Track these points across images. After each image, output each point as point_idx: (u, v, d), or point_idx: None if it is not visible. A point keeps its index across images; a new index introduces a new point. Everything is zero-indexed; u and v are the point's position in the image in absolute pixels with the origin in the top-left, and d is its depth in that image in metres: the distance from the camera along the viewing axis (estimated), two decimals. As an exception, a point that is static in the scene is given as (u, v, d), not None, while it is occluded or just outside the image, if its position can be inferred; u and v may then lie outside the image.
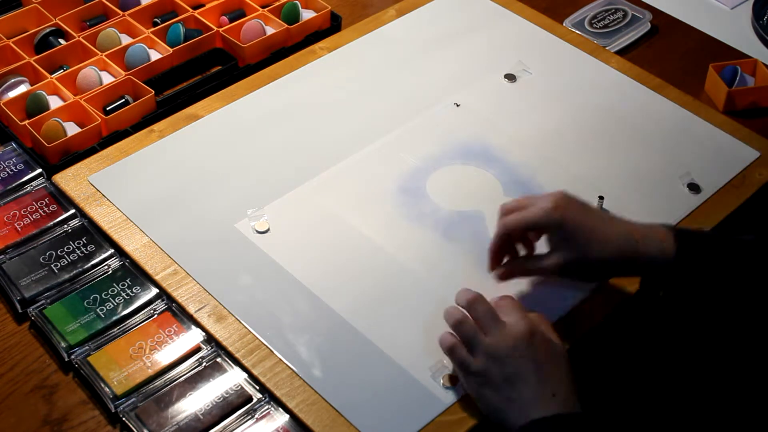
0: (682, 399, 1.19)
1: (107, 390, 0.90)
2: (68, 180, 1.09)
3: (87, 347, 0.94)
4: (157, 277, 1.00)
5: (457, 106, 1.20)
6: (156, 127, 1.17)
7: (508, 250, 0.96)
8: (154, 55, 1.26)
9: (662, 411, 1.18)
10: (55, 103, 1.19)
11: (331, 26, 1.34)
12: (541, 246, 0.95)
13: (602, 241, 0.91)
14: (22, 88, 1.21)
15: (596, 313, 0.98)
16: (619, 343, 1.11)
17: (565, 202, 0.92)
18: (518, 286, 0.99)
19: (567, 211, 0.91)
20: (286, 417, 0.89)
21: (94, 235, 1.04)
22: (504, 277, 0.96)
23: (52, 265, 1.01)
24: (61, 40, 1.28)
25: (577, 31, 1.35)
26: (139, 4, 1.34)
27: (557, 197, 0.91)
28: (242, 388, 0.91)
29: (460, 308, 0.90)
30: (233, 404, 0.90)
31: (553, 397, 0.83)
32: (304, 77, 1.25)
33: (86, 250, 1.02)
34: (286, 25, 1.30)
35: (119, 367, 0.92)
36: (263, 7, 1.34)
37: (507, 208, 0.94)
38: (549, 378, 0.84)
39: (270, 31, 1.30)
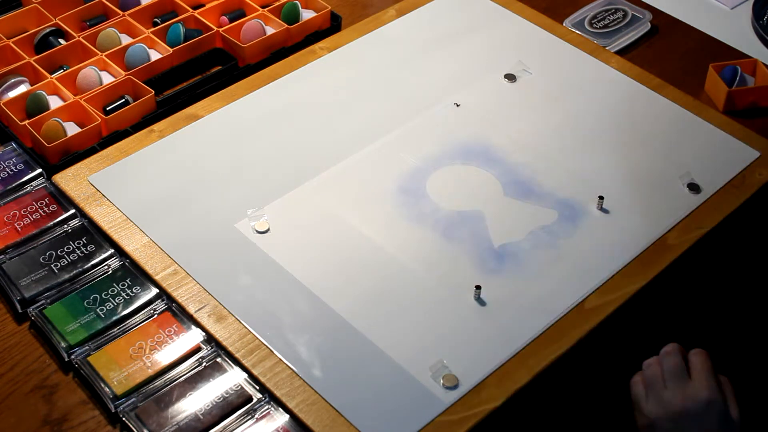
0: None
1: (107, 390, 0.90)
2: (68, 180, 1.10)
3: (87, 347, 0.94)
4: (157, 277, 1.00)
5: (457, 106, 1.20)
6: (156, 127, 1.17)
7: None
8: (154, 55, 1.26)
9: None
10: (55, 103, 1.19)
11: (331, 26, 1.34)
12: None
13: None
14: (22, 88, 1.21)
15: (604, 309, 0.98)
16: (628, 338, 1.11)
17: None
18: (520, 280, 0.99)
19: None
20: (286, 417, 0.89)
21: (94, 235, 1.04)
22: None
23: (52, 265, 1.01)
24: (61, 40, 1.28)
25: (577, 31, 1.35)
26: (139, 4, 1.34)
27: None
28: (242, 388, 0.91)
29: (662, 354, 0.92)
30: (233, 404, 0.90)
31: None
32: (304, 77, 1.25)
33: (86, 250, 1.02)
34: (286, 25, 1.30)
35: (119, 367, 0.92)
36: (263, 7, 1.34)
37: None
38: None
39: (270, 31, 1.30)
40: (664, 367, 0.90)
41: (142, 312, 0.97)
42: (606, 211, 1.07)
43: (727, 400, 0.88)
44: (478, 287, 0.98)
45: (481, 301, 0.98)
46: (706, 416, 0.86)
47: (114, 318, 0.96)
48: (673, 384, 0.89)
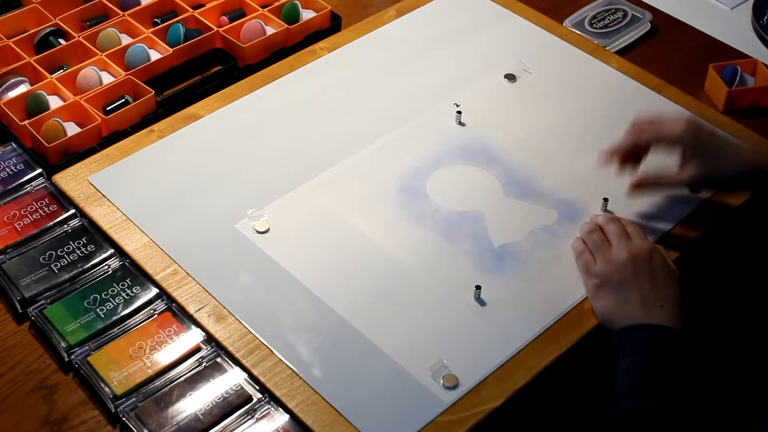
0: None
1: (107, 390, 0.90)
2: (68, 180, 1.10)
3: (87, 347, 0.94)
4: (157, 277, 1.00)
5: (457, 106, 1.20)
6: (156, 127, 1.17)
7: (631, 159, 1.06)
8: (154, 55, 1.26)
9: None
10: (55, 103, 1.19)
11: (331, 26, 1.34)
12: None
13: (734, 155, 1.03)
14: (22, 88, 1.21)
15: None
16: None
17: (695, 121, 1.03)
18: (520, 280, 1.00)
19: (699, 130, 1.02)
20: (286, 417, 0.89)
21: (94, 235, 1.04)
22: (637, 186, 1.05)
23: (52, 265, 1.01)
24: (61, 40, 1.28)
25: (577, 31, 1.35)
26: (139, 4, 1.34)
27: (688, 117, 1.03)
28: (242, 388, 0.91)
29: (595, 222, 1.03)
30: (233, 404, 0.90)
31: (661, 308, 0.93)
32: (304, 77, 1.25)
33: (86, 250, 1.02)
34: (286, 25, 1.30)
35: (119, 367, 0.92)
36: (263, 7, 1.34)
37: (639, 122, 1.04)
38: (660, 291, 0.94)
39: (270, 31, 1.30)
40: (606, 230, 1.01)
41: (142, 312, 0.97)
42: (610, 213, 1.07)
43: (665, 254, 1.00)
44: (478, 287, 0.98)
45: (481, 301, 0.98)
46: (651, 262, 0.96)
47: (114, 318, 0.96)
48: (617, 242, 0.99)
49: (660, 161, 1.15)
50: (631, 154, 1.05)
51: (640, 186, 1.05)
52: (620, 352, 0.92)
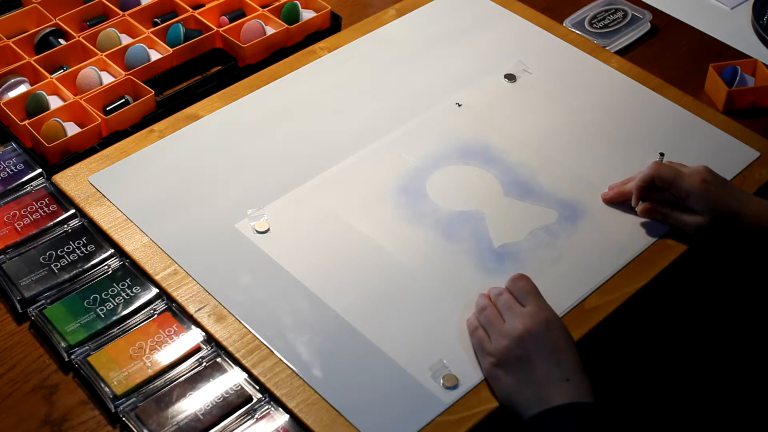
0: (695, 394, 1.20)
1: (107, 390, 0.90)
2: (68, 180, 1.10)
3: (87, 347, 0.94)
4: (157, 277, 1.00)
5: (459, 106, 1.20)
6: (156, 127, 1.17)
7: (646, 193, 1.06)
8: (154, 55, 1.26)
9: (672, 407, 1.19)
10: (55, 103, 1.19)
11: (331, 26, 1.34)
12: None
13: (745, 219, 1.01)
14: (22, 88, 1.21)
15: (604, 309, 0.98)
16: (628, 338, 1.11)
17: (713, 179, 1.02)
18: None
19: (714, 188, 1.01)
20: (286, 417, 0.89)
21: (94, 235, 1.04)
22: (645, 212, 1.06)
23: (52, 265, 1.01)
24: (61, 40, 1.28)
25: (577, 31, 1.35)
26: (139, 4, 1.34)
27: (705, 174, 1.02)
28: (242, 388, 0.91)
29: (487, 297, 0.95)
30: (233, 404, 0.90)
31: (567, 381, 0.86)
32: (304, 77, 1.25)
33: (86, 250, 1.02)
34: (286, 25, 1.30)
35: (119, 367, 0.92)
36: (263, 7, 1.34)
37: (659, 164, 1.04)
38: (562, 363, 0.87)
39: (270, 31, 1.30)
40: (497, 303, 0.93)
41: (142, 312, 0.97)
42: (613, 214, 1.07)
43: (559, 318, 0.92)
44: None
45: None
46: (549, 332, 0.89)
47: (114, 318, 0.96)
48: (510, 315, 0.91)
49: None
50: (644, 191, 1.05)
51: (648, 213, 1.06)
52: None
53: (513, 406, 0.88)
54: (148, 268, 1.00)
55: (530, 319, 0.89)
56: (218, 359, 0.93)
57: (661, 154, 1.08)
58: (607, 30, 1.36)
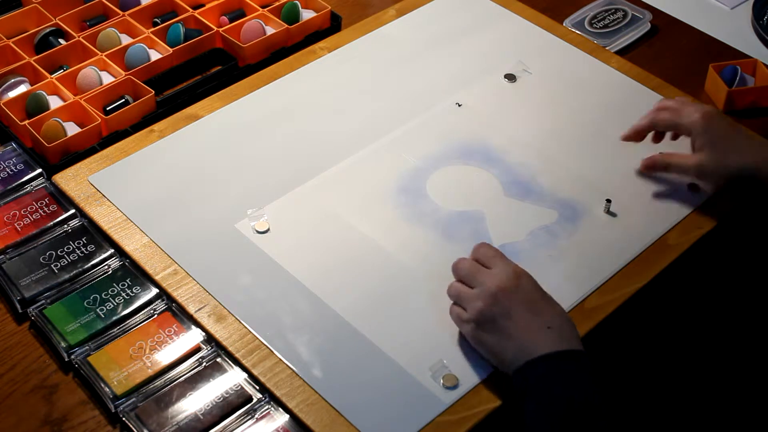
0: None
1: (107, 390, 0.90)
2: (68, 180, 1.10)
3: (87, 347, 0.94)
4: (157, 277, 1.00)
5: (459, 106, 1.20)
6: (156, 127, 1.17)
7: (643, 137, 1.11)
8: (154, 55, 1.26)
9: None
10: (55, 103, 1.19)
11: (331, 26, 1.34)
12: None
13: (741, 150, 1.04)
14: (22, 88, 1.21)
15: (604, 309, 0.99)
16: (628, 338, 1.11)
17: (712, 115, 1.06)
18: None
19: (713, 122, 1.05)
20: (286, 417, 0.89)
21: (94, 235, 1.04)
22: (647, 167, 1.10)
23: (52, 265, 1.01)
24: (61, 40, 1.28)
25: (577, 31, 1.35)
26: (139, 4, 1.34)
27: (706, 110, 1.06)
28: (242, 388, 0.91)
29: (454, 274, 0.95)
30: (233, 404, 0.90)
31: (548, 329, 0.86)
32: (304, 77, 1.25)
33: (86, 250, 1.02)
34: (286, 25, 1.30)
35: (119, 367, 0.92)
36: (263, 7, 1.34)
37: (660, 105, 1.10)
38: (541, 311, 0.88)
39: (270, 31, 1.30)
40: (460, 274, 0.93)
41: (142, 312, 0.97)
42: (613, 214, 1.07)
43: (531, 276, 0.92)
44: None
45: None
46: (520, 285, 0.90)
47: (114, 318, 0.96)
48: (477, 280, 0.91)
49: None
50: (647, 133, 1.11)
51: (650, 167, 1.10)
52: (525, 395, 0.84)
53: (500, 363, 0.89)
54: (148, 268, 1.00)
55: (499, 276, 0.90)
56: (218, 359, 0.93)
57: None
58: (607, 30, 1.36)
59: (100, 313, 0.96)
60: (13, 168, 1.11)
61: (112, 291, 0.98)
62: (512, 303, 0.88)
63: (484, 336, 0.89)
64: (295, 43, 1.31)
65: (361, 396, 0.90)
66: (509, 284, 0.90)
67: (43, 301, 0.97)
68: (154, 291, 0.99)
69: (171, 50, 1.25)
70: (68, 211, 1.06)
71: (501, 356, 0.88)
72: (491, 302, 0.89)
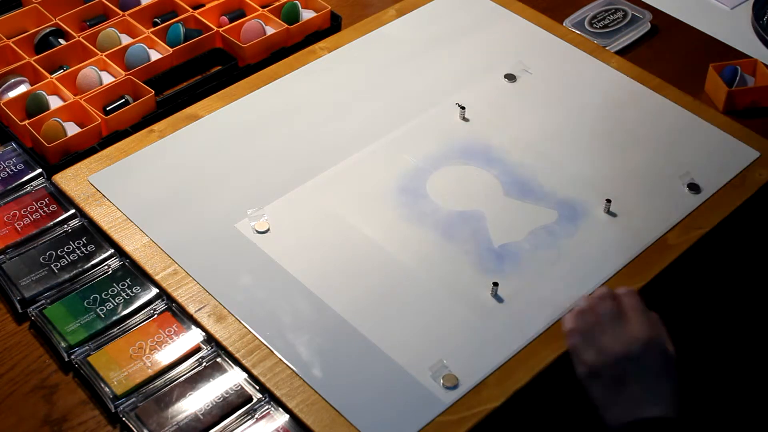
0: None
1: (107, 390, 0.90)
2: (68, 180, 1.09)
3: (87, 347, 0.94)
4: (157, 277, 1.00)
5: (459, 106, 1.20)
6: (156, 127, 1.17)
7: None
8: (154, 55, 1.26)
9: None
10: (55, 103, 1.19)
11: (331, 26, 1.34)
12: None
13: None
14: (22, 88, 1.21)
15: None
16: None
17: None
18: (520, 280, 1.00)
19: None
20: (286, 417, 0.89)
21: (94, 235, 1.04)
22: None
23: (52, 265, 1.01)
24: (61, 40, 1.28)
25: (577, 31, 1.35)
26: (139, 4, 1.34)
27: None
28: (242, 388, 0.91)
29: (589, 298, 0.92)
30: (233, 404, 0.90)
31: (656, 406, 0.84)
32: (304, 77, 1.25)
33: (86, 250, 1.02)
34: (286, 25, 1.30)
35: (119, 367, 0.92)
36: (263, 7, 1.34)
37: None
38: (655, 388, 0.86)
39: (270, 31, 1.30)
40: (599, 313, 0.90)
41: (142, 312, 0.97)
42: (613, 215, 1.07)
43: (662, 335, 0.89)
44: (495, 284, 0.98)
45: (498, 298, 0.98)
46: (646, 354, 0.87)
47: (114, 318, 0.96)
48: (610, 328, 0.88)
49: (660, 162, 1.15)
50: None
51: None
52: None
53: (602, 417, 0.87)
54: (148, 268, 1.00)
55: (632, 338, 0.87)
56: (218, 359, 0.93)
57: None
58: (607, 30, 1.36)
59: (100, 313, 0.96)
60: (13, 168, 1.11)
61: (112, 291, 0.98)
62: (633, 373, 0.86)
63: (593, 386, 0.87)
64: (295, 43, 1.31)
65: (361, 396, 0.90)
66: (640, 348, 0.86)
67: (43, 301, 0.97)
68: (154, 291, 0.99)
69: (171, 50, 1.25)
70: (68, 211, 1.06)
71: (601, 411, 0.86)
72: (614, 364, 0.86)
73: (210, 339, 0.95)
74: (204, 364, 0.93)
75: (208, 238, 1.04)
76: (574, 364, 0.90)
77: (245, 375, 0.92)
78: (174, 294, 0.98)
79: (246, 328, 0.95)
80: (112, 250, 1.03)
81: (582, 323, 0.90)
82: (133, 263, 1.01)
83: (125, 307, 0.97)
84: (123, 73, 1.22)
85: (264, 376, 0.91)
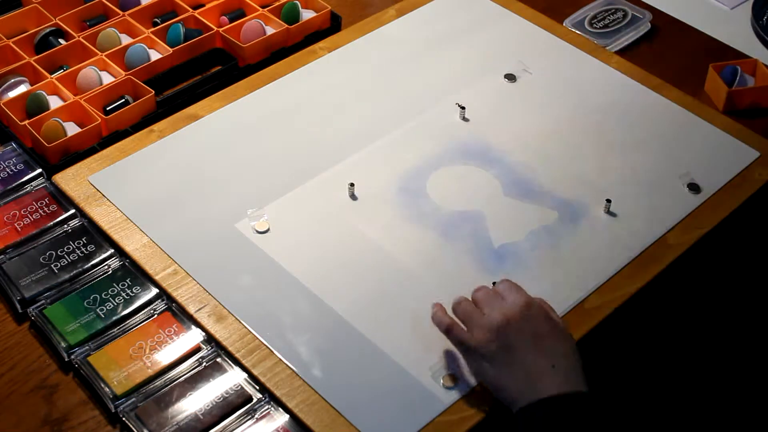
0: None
1: (107, 390, 0.90)
2: (68, 180, 1.10)
3: (87, 347, 0.94)
4: (157, 277, 1.00)
5: (459, 106, 1.20)
6: (156, 127, 1.17)
7: None
8: (154, 55, 1.26)
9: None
10: (55, 103, 1.19)
11: (331, 26, 1.34)
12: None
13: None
14: (22, 88, 1.21)
15: (604, 309, 0.98)
16: (628, 338, 1.11)
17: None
18: (520, 280, 1.00)
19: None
20: (286, 417, 0.89)
21: (94, 235, 1.04)
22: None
23: (52, 265, 1.01)
24: (61, 40, 1.28)
25: (577, 31, 1.35)
26: (139, 4, 1.34)
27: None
28: (242, 388, 0.91)
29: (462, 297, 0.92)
30: (233, 404, 0.90)
31: (552, 368, 0.84)
32: (304, 77, 1.25)
33: (86, 250, 1.02)
34: (286, 25, 1.30)
35: (119, 367, 0.92)
36: (263, 7, 1.34)
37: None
38: (547, 349, 0.85)
39: (270, 31, 1.30)
40: (475, 298, 0.90)
41: (142, 312, 0.97)
42: (613, 215, 1.07)
43: (544, 305, 0.90)
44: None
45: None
46: (530, 319, 0.87)
47: (114, 318, 0.96)
48: (489, 307, 0.88)
49: (660, 162, 1.15)
50: None
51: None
52: None
53: (503, 398, 0.86)
54: (148, 268, 1.00)
55: (509, 308, 0.88)
56: (218, 359, 0.93)
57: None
58: (607, 30, 1.36)
59: (100, 313, 0.96)
60: (13, 168, 1.11)
61: (112, 291, 0.98)
62: (519, 339, 0.86)
63: (487, 368, 0.87)
64: (295, 43, 1.31)
65: (361, 396, 0.90)
66: (518, 317, 0.86)
67: (43, 301, 0.97)
68: (154, 291, 0.99)
69: (171, 50, 1.25)
70: (68, 211, 1.06)
71: (503, 392, 0.86)
72: (498, 335, 0.86)
73: (210, 339, 0.95)
74: (204, 364, 0.93)
75: (208, 238, 1.04)
76: (464, 358, 0.90)
77: (245, 375, 0.92)
78: (174, 294, 0.98)
79: (246, 328, 0.95)
80: (112, 250, 1.03)
81: (460, 313, 0.90)
82: (133, 263, 1.01)
83: (125, 307, 0.97)
84: (123, 73, 1.22)
85: (264, 376, 0.91)
